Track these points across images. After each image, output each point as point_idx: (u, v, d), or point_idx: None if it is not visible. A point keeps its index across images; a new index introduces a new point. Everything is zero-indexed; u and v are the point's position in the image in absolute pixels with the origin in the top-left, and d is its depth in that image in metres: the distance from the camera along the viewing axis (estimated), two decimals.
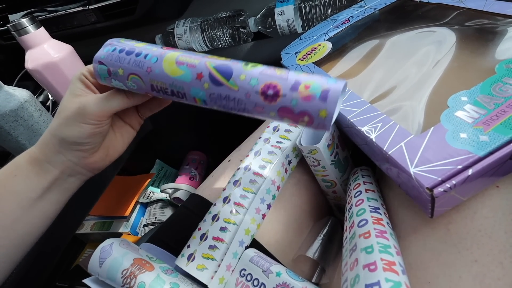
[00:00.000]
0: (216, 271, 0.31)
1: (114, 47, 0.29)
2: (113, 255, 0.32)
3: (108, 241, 0.34)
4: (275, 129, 0.40)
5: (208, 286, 0.30)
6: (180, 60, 0.26)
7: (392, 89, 0.34)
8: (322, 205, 0.45)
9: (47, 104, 0.67)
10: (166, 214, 0.89)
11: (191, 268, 0.31)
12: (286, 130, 0.40)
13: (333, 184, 0.40)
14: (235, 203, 0.34)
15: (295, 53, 0.50)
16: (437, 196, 0.23)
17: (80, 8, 0.61)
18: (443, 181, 0.23)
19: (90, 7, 0.60)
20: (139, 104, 0.36)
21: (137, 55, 0.28)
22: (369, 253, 0.25)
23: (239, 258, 0.33)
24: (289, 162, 0.39)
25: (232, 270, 0.32)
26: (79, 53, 0.62)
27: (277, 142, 0.39)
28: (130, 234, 0.86)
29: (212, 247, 0.32)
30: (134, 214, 0.90)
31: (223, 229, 0.33)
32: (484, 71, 0.29)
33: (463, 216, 0.27)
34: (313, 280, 0.38)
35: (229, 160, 0.46)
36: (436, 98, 0.30)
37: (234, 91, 0.24)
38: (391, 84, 0.34)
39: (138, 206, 0.92)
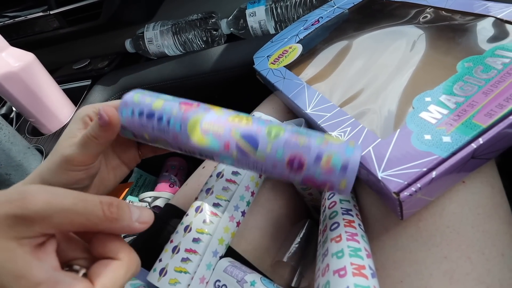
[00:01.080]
0: (189, 285, 0.30)
1: (132, 109, 0.29)
2: None
3: None
4: None
5: None
6: (204, 128, 0.27)
7: (361, 91, 0.34)
8: (300, 207, 0.45)
9: (11, 115, 0.64)
10: None
11: (163, 284, 0.30)
12: None
13: (309, 186, 0.39)
14: (207, 212, 0.33)
15: (267, 56, 0.50)
16: (403, 200, 0.23)
17: (41, 14, 0.58)
18: (409, 185, 0.23)
19: (51, 12, 0.58)
20: (141, 145, 0.36)
21: (159, 119, 0.28)
22: (339, 257, 0.25)
23: (213, 269, 0.32)
24: None
25: (206, 282, 0.31)
26: (42, 61, 0.59)
27: None
28: None
29: (184, 260, 0.31)
30: None
31: (195, 240, 0.32)
32: (447, 70, 0.30)
33: (432, 213, 0.27)
34: (293, 284, 0.37)
35: (203, 167, 0.45)
36: (402, 99, 0.30)
37: (262, 162, 0.26)
38: (360, 86, 0.34)
39: None
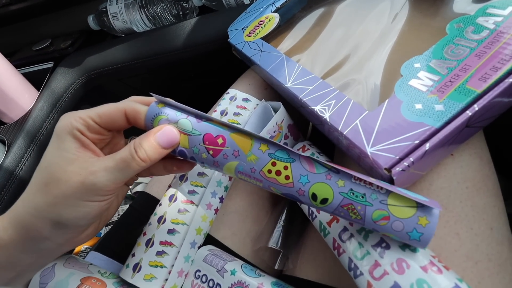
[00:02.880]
0: (166, 279, 0.28)
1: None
2: (56, 278, 0.27)
3: (49, 263, 0.29)
4: (223, 113, 0.37)
5: None
6: (240, 177, 0.25)
7: (344, 61, 0.31)
8: None
9: None
10: None
11: (137, 280, 0.27)
12: (235, 114, 0.36)
13: None
14: (182, 201, 0.30)
15: (242, 28, 0.46)
16: (395, 176, 0.21)
17: None
18: (400, 159, 0.21)
19: None
20: None
21: (192, 158, 0.26)
22: (413, 251, 0.22)
23: (193, 260, 0.30)
24: None
25: (185, 275, 0.29)
26: None
27: None
28: None
29: (160, 253, 0.28)
30: None
31: (171, 231, 0.29)
32: (436, 33, 0.27)
33: (419, 189, 0.26)
34: (276, 267, 0.36)
35: None
36: (389, 67, 0.27)
37: None
38: (343, 56, 0.32)
39: None
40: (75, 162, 0.23)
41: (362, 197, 0.20)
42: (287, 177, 0.22)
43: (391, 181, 0.22)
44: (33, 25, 0.69)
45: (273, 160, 0.23)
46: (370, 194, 0.20)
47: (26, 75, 0.60)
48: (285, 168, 0.22)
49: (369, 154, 0.22)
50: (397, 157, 0.21)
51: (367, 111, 0.25)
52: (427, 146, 0.21)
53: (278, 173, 0.23)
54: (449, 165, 0.26)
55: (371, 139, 0.23)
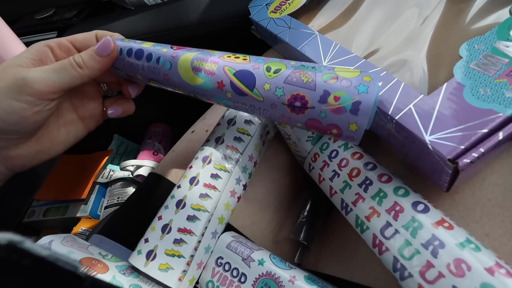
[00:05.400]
0: (184, 271, 0.25)
1: (120, 48, 0.27)
2: None
3: (46, 239, 0.27)
4: None
5: None
6: (196, 65, 0.25)
7: (388, 40, 0.28)
8: (302, 176, 0.40)
9: None
10: (129, 193, 0.81)
11: (152, 269, 0.25)
12: None
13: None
14: (205, 185, 0.28)
15: (266, 4, 0.42)
16: (462, 169, 0.18)
17: None
18: (467, 150, 0.18)
19: None
20: (106, 98, 0.30)
21: (148, 59, 0.26)
22: (475, 250, 0.19)
23: (212, 251, 0.27)
24: (267, 132, 0.33)
25: (204, 267, 0.27)
26: None
27: None
28: (90, 218, 0.78)
29: (178, 242, 0.26)
30: (93, 196, 0.82)
31: (191, 218, 0.26)
32: (498, 13, 0.25)
33: (470, 184, 0.23)
34: (296, 260, 0.34)
35: (192, 131, 0.39)
36: (444, 48, 0.24)
37: (259, 101, 0.23)
38: (387, 34, 0.29)
39: (97, 186, 0.84)
40: (25, 67, 0.24)
41: (312, 67, 0.22)
42: (245, 59, 0.24)
43: (454, 173, 0.19)
44: None
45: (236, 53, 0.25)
46: (318, 66, 0.22)
47: (27, 45, 0.56)
48: (245, 58, 0.24)
49: (427, 142, 0.20)
50: (462, 147, 0.19)
51: (422, 95, 0.22)
52: (500, 135, 0.18)
53: (237, 57, 0.25)
54: (504, 159, 0.23)
55: (429, 126, 0.20)
